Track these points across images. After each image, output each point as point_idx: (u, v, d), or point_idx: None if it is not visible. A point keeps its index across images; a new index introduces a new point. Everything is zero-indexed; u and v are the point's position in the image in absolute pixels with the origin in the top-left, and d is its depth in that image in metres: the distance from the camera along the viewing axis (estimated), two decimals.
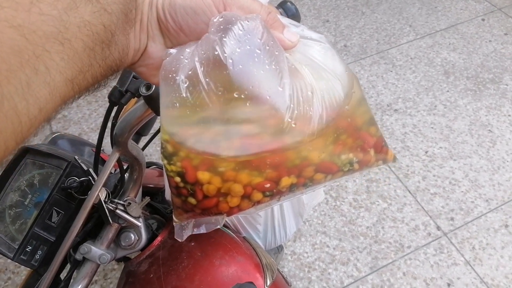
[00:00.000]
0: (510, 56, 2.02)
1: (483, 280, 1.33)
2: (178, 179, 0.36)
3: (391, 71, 1.97)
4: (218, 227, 0.42)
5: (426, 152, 1.67)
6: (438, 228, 1.46)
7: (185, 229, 0.43)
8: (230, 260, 0.60)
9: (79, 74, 0.26)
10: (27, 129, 0.23)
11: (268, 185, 0.36)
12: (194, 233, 0.43)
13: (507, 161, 1.63)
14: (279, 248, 1.24)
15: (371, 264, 1.37)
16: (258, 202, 0.37)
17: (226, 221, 0.72)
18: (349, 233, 1.45)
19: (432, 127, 1.75)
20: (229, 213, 0.38)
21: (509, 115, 1.78)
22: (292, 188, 0.37)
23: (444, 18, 2.23)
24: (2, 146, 0.22)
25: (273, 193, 0.37)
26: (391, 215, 1.49)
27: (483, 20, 2.22)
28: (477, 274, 1.34)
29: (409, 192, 1.55)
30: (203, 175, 0.35)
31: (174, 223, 0.41)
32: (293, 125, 0.33)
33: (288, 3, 0.46)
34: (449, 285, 1.32)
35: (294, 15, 0.45)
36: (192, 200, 0.37)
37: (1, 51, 0.21)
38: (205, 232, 0.43)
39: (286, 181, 0.36)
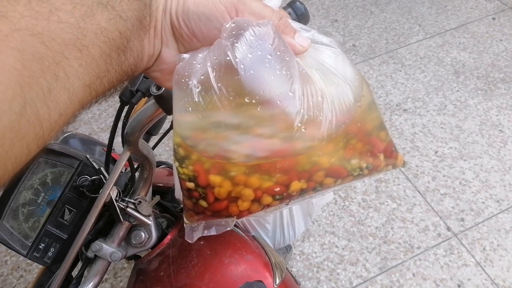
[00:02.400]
0: None
1: (494, 281, 1.32)
2: (190, 182, 0.36)
3: (400, 71, 1.96)
4: (228, 229, 0.43)
5: (436, 152, 1.65)
6: (448, 228, 1.44)
7: (196, 230, 0.43)
8: (240, 259, 0.61)
9: (97, 80, 0.27)
10: (48, 133, 0.24)
11: (278, 189, 0.36)
12: (204, 234, 0.43)
13: None
14: (288, 248, 1.24)
15: (380, 265, 1.36)
16: (268, 206, 0.38)
17: (235, 220, 0.72)
18: (358, 234, 1.44)
19: (442, 127, 1.73)
20: (239, 216, 0.38)
21: None
22: (302, 192, 0.37)
23: (454, 17, 2.21)
24: (25, 150, 0.23)
25: (283, 197, 0.37)
26: (400, 215, 1.48)
27: (493, 19, 2.19)
28: (488, 276, 1.33)
29: (419, 192, 1.54)
30: (215, 179, 0.35)
31: (184, 225, 0.42)
32: (303, 130, 0.34)
33: (297, 2, 0.46)
34: (459, 286, 1.31)
35: (303, 15, 0.46)
36: (203, 203, 0.37)
37: (24, 58, 0.22)
38: (215, 233, 0.43)
39: (296, 185, 0.36)
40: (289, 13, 0.46)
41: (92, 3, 0.26)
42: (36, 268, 1.38)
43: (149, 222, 0.60)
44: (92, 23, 0.26)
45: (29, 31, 0.22)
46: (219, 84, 0.32)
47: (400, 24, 2.19)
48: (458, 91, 1.86)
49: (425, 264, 1.36)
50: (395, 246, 1.41)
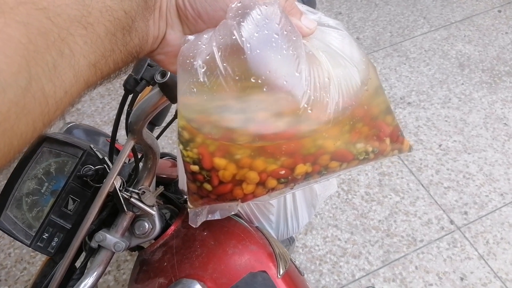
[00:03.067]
0: None
1: (497, 274, 1.31)
2: (194, 165, 0.36)
3: (405, 64, 1.95)
4: (233, 213, 0.42)
5: (440, 145, 1.65)
6: (452, 222, 1.44)
7: (200, 215, 0.43)
8: (243, 249, 0.60)
9: (102, 59, 0.27)
10: (53, 111, 0.24)
11: (283, 172, 0.36)
12: (208, 219, 0.43)
13: None
14: (290, 241, 1.24)
15: (383, 258, 1.36)
16: (273, 189, 0.37)
17: (239, 210, 0.72)
18: (360, 227, 1.44)
19: (446, 120, 1.72)
20: (243, 200, 0.38)
21: None
22: (307, 176, 0.37)
23: (459, 9, 2.19)
24: (31, 127, 0.23)
25: (288, 180, 0.37)
26: (403, 208, 1.48)
27: (499, 11, 2.17)
28: (491, 269, 1.33)
29: (422, 185, 1.53)
30: (219, 161, 0.35)
31: (188, 209, 0.41)
32: (309, 112, 0.33)
33: None
34: (462, 279, 1.31)
35: (310, 1, 0.45)
36: (207, 186, 0.37)
37: (29, 32, 0.21)
38: (219, 218, 0.43)
39: (301, 168, 0.36)
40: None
41: None
42: (39, 261, 1.39)
43: (153, 212, 0.60)
44: (98, 0, 0.25)
45: (34, 5, 0.22)
46: (224, 64, 0.31)
47: (404, 16, 2.17)
48: (462, 84, 1.85)
49: (428, 257, 1.36)
50: (398, 239, 1.41)
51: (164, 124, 0.76)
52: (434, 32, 2.08)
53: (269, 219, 0.75)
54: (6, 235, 0.61)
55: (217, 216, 0.42)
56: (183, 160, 0.36)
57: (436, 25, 2.12)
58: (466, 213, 1.46)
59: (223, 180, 0.36)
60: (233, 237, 0.62)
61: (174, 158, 0.85)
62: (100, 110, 1.83)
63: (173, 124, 0.67)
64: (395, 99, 1.81)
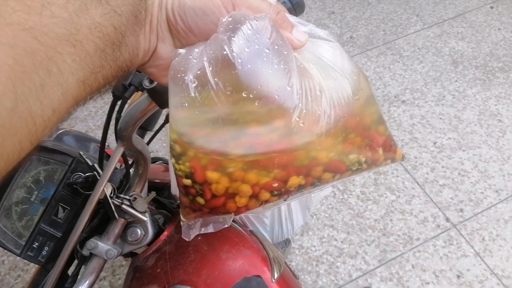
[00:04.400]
0: None
1: (493, 271, 1.32)
2: (187, 179, 0.36)
3: (398, 62, 1.95)
4: (226, 226, 0.42)
5: (435, 143, 1.65)
6: (447, 219, 1.44)
7: (193, 228, 0.43)
8: (237, 254, 0.60)
9: (91, 75, 0.26)
10: (41, 130, 0.24)
11: (276, 185, 0.36)
12: (201, 232, 0.42)
13: None
14: (287, 242, 1.24)
15: (380, 257, 1.36)
16: (266, 202, 0.37)
17: (233, 217, 0.72)
18: (357, 226, 1.44)
19: (440, 118, 1.72)
20: (236, 213, 0.38)
21: None
22: (300, 187, 0.37)
23: (452, 6, 2.19)
24: (17, 147, 0.22)
25: (281, 192, 0.37)
26: (399, 207, 1.48)
27: (491, 8, 2.17)
28: (487, 266, 1.33)
29: (418, 184, 1.53)
30: (212, 175, 0.35)
31: (181, 223, 0.41)
32: (301, 125, 0.33)
33: None
34: (458, 277, 1.31)
35: (298, 4, 0.44)
36: (200, 200, 0.37)
37: (15, 53, 0.21)
38: (212, 231, 0.42)
39: (294, 180, 0.36)
40: (284, 3, 0.44)
41: None
42: (33, 268, 1.38)
43: (145, 219, 0.59)
44: (86, 17, 0.25)
45: (20, 26, 0.22)
46: (216, 79, 0.31)
47: (397, 14, 2.18)
48: (456, 81, 1.85)
49: (425, 256, 1.36)
50: (394, 238, 1.41)
51: (156, 127, 0.75)
52: (427, 30, 2.09)
53: (263, 222, 0.75)
54: None
55: (210, 229, 0.42)
56: (176, 174, 0.36)
57: (429, 22, 2.12)
58: (461, 210, 1.46)
59: (216, 194, 0.36)
60: (227, 242, 0.61)
61: (166, 162, 0.84)
62: (93, 115, 1.81)
63: (167, 126, 0.67)
64: (389, 97, 1.81)
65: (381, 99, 1.81)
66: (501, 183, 1.52)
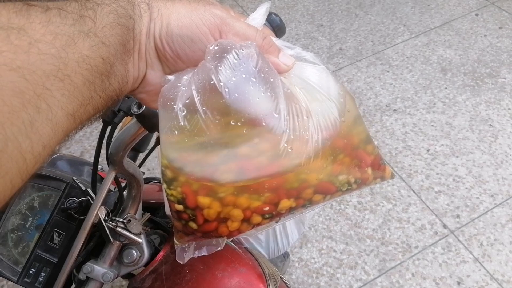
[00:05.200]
0: (506, 49, 2.02)
1: (493, 276, 1.32)
2: (179, 204, 0.36)
3: (388, 72, 1.98)
4: (219, 248, 0.42)
5: (428, 150, 1.66)
6: (445, 226, 1.45)
7: (187, 251, 0.43)
8: (233, 272, 0.60)
9: (80, 107, 0.26)
10: (32, 166, 0.24)
11: (267, 208, 0.36)
12: (195, 255, 0.43)
13: (510, 155, 1.62)
14: (285, 256, 1.24)
15: (379, 267, 1.36)
16: (258, 225, 0.38)
17: (226, 240, 0.72)
18: (355, 236, 1.44)
19: (432, 125, 1.74)
20: (229, 236, 0.38)
21: (509, 109, 1.78)
22: (291, 210, 0.37)
23: (438, 15, 2.24)
24: (9, 185, 0.22)
25: (273, 215, 0.37)
26: (396, 216, 1.48)
27: (476, 15, 2.22)
28: (486, 271, 1.33)
29: (413, 191, 1.54)
30: (204, 200, 0.35)
31: (175, 246, 0.41)
32: (289, 150, 0.33)
33: (272, 14, 0.46)
34: (459, 283, 1.31)
35: (279, 26, 0.46)
36: (193, 225, 0.37)
37: (2, 94, 0.21)
38: (206, 254, 0.43)
39: (285, 203, 0.36)
40: (264, 26, 0.46)
41: (73, 32, 0.26)
42: None
43: (140, 240, 0.59)
44: (74, 52, 0.25)
45: (7, 66, 0.22)
46: (204, 108, 0.32)
47: (385, 25, 2.22)
48: (446, 88, 1.88)
49: (424, 263, 1.36)
50: (393, 247, 1.41)
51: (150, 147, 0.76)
52: (415, 39, 2.12)
53: (259, 239, 0.75)
54: None
55: (204, 252, 0.42)
56: (168, 199, 0.36)
57: (416, 31, 2.16)
58: (458, 216, 1.47)
59: (208, 219, 0.36)
60: (222, 260, 0.62)
61: (160, 182, 0.85)
62: (88, 135, 1.82)
63: (159, 147, 0.67)
64: (381, 106, 1.83)
65: (373, 108, 1.83)
66: (496, 187, 1.53)
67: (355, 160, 0.38)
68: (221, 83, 0.31)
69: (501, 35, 2.09)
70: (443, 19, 2.21)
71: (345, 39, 2.15)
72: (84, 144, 1.79)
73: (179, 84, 0.33)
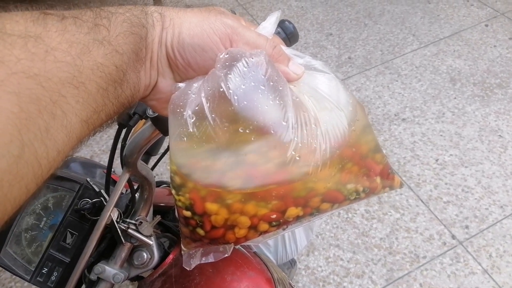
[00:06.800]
0: None
1: None
2: (187, 210, 0.36)
3: (397, 81, 1.98)
4: (226, 255, 0.42)
5: (437, 160, 1.66)
6: (453, 237, 1.44)
7: (194, 257, 0.43)
8: (242, 276, 0.61)
9: (94, 114, 0.27)
10: (46, 171, 0.24)
11: (274, 216, 0.36)
12: (202, 262, 0.43)
13: None
14: (292, 263, 1.24)
15: (387, 276, 1.35)
16: (265, 232, 0.38)
17: (233, 247, 0.72)
18: (362, 245, 1.43)
19: (441, 135, 1.74)
20: (236, 243, 0.38)
21: None
22: (298, 218, 0.37)
23: (447, 25, 2.24)
24: (24, 190, 0.23)
25: (280, 223, 0.37)
26: (404, 225, 1.47)
27: (486, 25, 2.22)
28: (495, 283, 1.32)
29: (422, 201, 1.54)
30: (211, 206, 0.35)
31: (182, 252, 0.42)
32: (297, 158, 0.34)
33: (286, 22, 0.47)
34: None
35: (292, 34, 0.47)
36: (200, 231, 0.37)
37: (20, 101, 0.22)
38: (213, 260, 0.43)
39: (292, 211, 0.36)
40: (278, 33, 0.47)
41: (88, 40, 0.26)
42: None
43: (150, 242, 0.60)
44: (89, 59, 0.26)
45: (25, 74, 0.23)
46: (213, 115, 0.32)
47: (394, 35, 2.22)
48: (455, 98, 1.88)
49: (432, 274, 1.35)
50: (401, 256, 1.40)
51: (162, 151, 0.77)
52: (424, 49, 2.13)
53: (267, 244, 0.75)
54: None
55: (211, 259, 0.42)
56: (176, 205, 0.37)
57: (426, 41, 2.16)
58: (467, 227, 1.46)
59: (215, 225, 0.36)
60: (231, 264, 0.62)
61: (170, 186, 0.86)
62: (98, 139, 1.84)
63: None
64: (389, 115, 1.83)
65: (382, 117, 1.83)
66: (505, 198, 1.52)
67: (364, 169, 0.38)
68: (230, 91, 0.32)
69: (511, 45, 2.09)
70: (452, 29, 2.22)
71: (354, 48, 2.16)
72: (93, 148, 1.82)
73: (189, 92, 0.33)
